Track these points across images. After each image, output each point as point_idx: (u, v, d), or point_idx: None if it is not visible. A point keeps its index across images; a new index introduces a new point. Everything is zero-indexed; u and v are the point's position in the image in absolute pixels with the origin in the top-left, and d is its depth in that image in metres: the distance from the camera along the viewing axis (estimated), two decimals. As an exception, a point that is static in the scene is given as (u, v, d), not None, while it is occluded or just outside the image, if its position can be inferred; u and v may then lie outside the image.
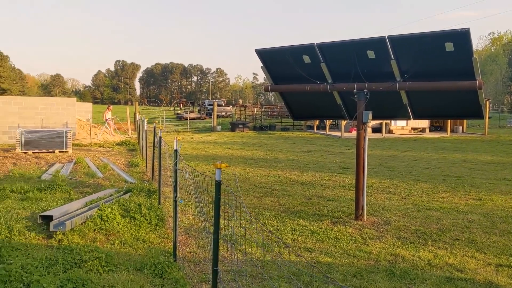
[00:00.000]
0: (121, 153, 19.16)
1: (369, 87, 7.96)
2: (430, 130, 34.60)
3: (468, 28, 6.72)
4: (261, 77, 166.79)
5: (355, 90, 8.09)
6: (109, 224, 7.35)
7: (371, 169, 14.39)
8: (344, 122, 30.36)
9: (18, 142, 17.40)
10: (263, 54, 8.95)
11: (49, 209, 8.16)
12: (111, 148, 20.83)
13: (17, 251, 6.23)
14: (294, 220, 8.30)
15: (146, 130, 14.95)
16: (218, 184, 4.01)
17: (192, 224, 8.00)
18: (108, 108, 29.03)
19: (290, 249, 6.56)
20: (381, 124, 31.57)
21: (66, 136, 18.01)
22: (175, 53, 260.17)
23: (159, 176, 9.22)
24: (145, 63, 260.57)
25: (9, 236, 6.72)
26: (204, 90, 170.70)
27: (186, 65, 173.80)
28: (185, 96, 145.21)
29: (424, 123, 33.61)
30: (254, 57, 9.17)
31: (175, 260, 6.07)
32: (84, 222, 7.43)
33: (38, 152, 17.40)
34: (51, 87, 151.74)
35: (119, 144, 22.73)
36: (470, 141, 27.10)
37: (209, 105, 53.94)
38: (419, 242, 7.07)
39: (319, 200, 10.03)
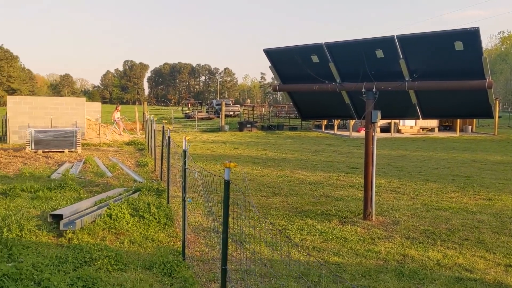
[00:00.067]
0: (130, 152, 19.26)
1: (378, 86, 7.94)
2: (439, 130, 34.40)
3: (478, 27, 6.68)
4: (269, 76, 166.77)
5: (363, 90, 8.07)
6: (119, 223, 7.40)
7: (380, 168, 14.35)
8: (352, 122, 30.26)
9: (28, 142, 17.55)
10: (271, 53, 8.96)
11: (59, 208, 8.23)
12: (120, 148, 20.94)
13: (28, 249, 6.29)
14: (303, 219, 8.30)
15: (154, 130, 15.02)
16: (227, 183, 4.03)
17: (201, 223, 8.03)
18: (116, 108, 29.18)
19: (299, 248, 6.56)
20: (389, 123, 31.45)
21: (76, 136, 18.13)
22: (183, 53, 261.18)
23: (168, 175, 9.26)
24: (154, 63, 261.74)
25: (20, 234, 6.79)
26: (212, 89, 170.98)
27: (194, 65, 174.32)
28: (193, 96, 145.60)
29: (433, 123, 33.43)
30: (262, 56, 9.19)
31: (184, 259, 6.10)
32: (94, 221, 7.48)
33: (48, 152, 17.53)
34: (60, 87, 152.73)
35: (128, 143, 22.85)
36: (479, 141, 26.91)
37: (217, 104, 54.05)
38: (428, 242, 7.05)
39: (328, 199, 10.02)
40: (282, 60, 8.99)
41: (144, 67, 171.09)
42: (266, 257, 6.35)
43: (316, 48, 8.28)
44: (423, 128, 33.51)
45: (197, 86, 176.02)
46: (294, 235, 7.37)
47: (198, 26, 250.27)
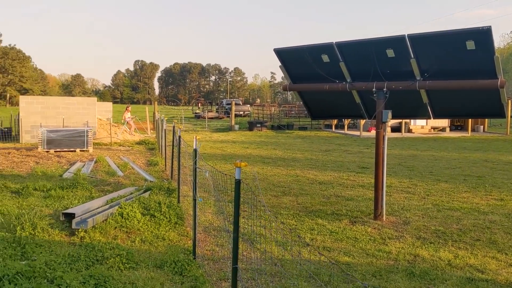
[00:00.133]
0: (141, 152, 19.37)
1: (389, 86, 7.91)
2: (451, 130, 34.14)
3: (490, 26, 6.64)
4: (279, 76, 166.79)
5: (374, 89, 8.05)
6: (130, 222, 7.46)
7: (390, 168, 14.28)
8: (362, 121, 30.15)
9: (41, 141, 17.72)
10: (281, 53, 8.96)
11: (71, 207, 8.32)
12: (130, 147, 21.06)
13: (40, 247, 6.36)
14: (313, 219, 8.30)
15: (165, 130, 15.09)
16: (237, 183, 4.05)
17: (211, 223, 8.06)
18: (127, 109, 29.37)
19: (309, 248, 6.57)
20: (400, 123, 31.27)
21: (87, 135, 18.27)
22: (193, 53, 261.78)
23: (178, 174, 9.30)
24: (164, 63, 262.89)
25: (33, 233, 6.87)
26: (222, 89, 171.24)
27: (204, 64, 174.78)
28: (203, 96, 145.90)
29: (444, 122, 33.18)
30: (272, 56, 9.20)
31: (194, 258, 6.13)
32: (106, 220, 7.54)
33: (59, 151, 17.69)
34: (72, 87, 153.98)
35: (139, 143, 22.98)
36: (491, 141, 26.67)
37: (227, 104, 54.11)
38: (439, 242, 7.01)
39: (338, 199, 10.01)
40: (293, 59, 8.99)
41: (154, 67, 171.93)
42: (277, 256, 6.36)
43: (326, 48, 8.28)
44: (434, 128, 33.29)
45: (207, 86, 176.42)
46: (304, 234, 7.38)
47: (209, 26, 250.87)
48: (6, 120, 29.47)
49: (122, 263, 5.78)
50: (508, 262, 6.17)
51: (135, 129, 28.60)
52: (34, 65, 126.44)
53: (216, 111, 55.00)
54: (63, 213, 7.65)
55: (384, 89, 7.94)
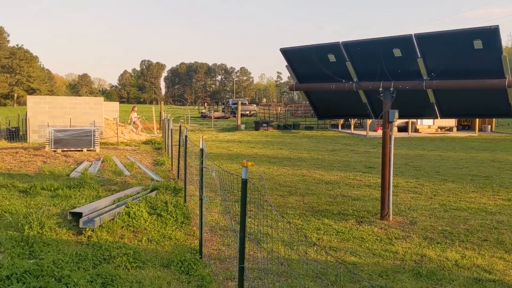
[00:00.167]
0: (147, 151, 19.43)
1: (395, 85, 7.89)
2: (458, 129, 33.98)
3: (497, 26, 6.60)
4: (285, 75, 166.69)
5: (381, 89, 8.03)
6: (137, 221, 7.49)
7: (397, 168, 14.24)
8: (369, 121, 30.08)
9: (48, 141, 17.82)
10: (288, 53, 8.96)
11: (79, 206, 8.36)
12: (137, 147, 21.14)
13: (48, 246, 6.40)
14: (319, 219, 8.29)
15: (171, 129, 15.13)
16: (244, 182, 4.06)
17: (217, 222, 8.07)
18: (133, 109, 29.49)
19: (316, 248, 6.56)
20: (407, 123, 31.16)
21: (94, 135, 18.36)
22: (199, 53, 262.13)
23: (185, 174, 9.33)
24: (170, 63, 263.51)
25: (41, 232, 6.91)
26: (228, 89, 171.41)
27: (210, 64, 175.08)
28: (209, 95, 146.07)
29: (451, 122, 33.03)
30: (279, 56, 9.20)
31: (201, 257, 6.15)
32: (112, 219, 7.58)
33: (66, 151, 17.79)
34: (79, 86, 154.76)
35: (145, 142, 23.05)
36: (499, 141, 26.51)
37: (233, 104, 54.15)
38: (446, 242, 6.99)
39: (344, 199, 9.99)
40: (299, 59, 8.98)
41: (161, 66, 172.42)
42: (283, 256, 6.36)
43: (333, 47, 8.27)
44: (441, 128, 33.14)
45: (213, 86, 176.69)
46: (311, 234, 7.38)
47: (215, 25, 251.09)
48: (14, 119, 29.66)
49: (129, 262, 5.80)
50: (516, 263, 6.13)
51: (141, 128, 28.70)
52: (41, 65, 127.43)
53: (222, 111, 55.08)
54: (70, 212, 7.70)
55: (391, 89, 7.92)
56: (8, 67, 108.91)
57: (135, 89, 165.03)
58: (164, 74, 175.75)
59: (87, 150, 18.12)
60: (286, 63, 9.12)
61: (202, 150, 6.28)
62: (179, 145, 11.62)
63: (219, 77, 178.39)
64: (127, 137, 24.46)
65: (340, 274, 5.66)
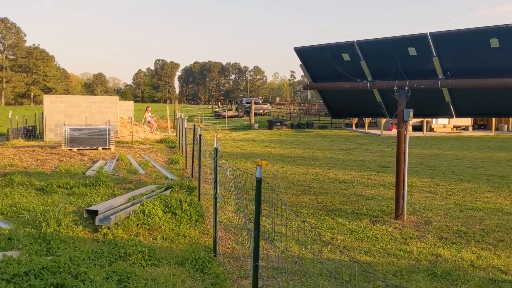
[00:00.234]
0: (162, 150, 19.56)
1: (410, 84, 7.84)
2: (474, 129, 33.61)
3: (515, 24, 6.53)
4: (299, 75, 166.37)
5: (395, 88, 7.98)
6: (152, 219, 7.56)
7: (412, 168, 14.14)
8: (383, 120, 29.89)
9: (64, 139, 18.03)
10: (302, 52, 8.96)
11: (94, 204, 8.47)
12: (151, 146, 21.28)
13: (65, 243, 6.50)
14: (333, 218, 8.28)
15: (185, 128, 15.22)
16: (258, 181, 4.08)
17: (231, 221, 8.11)
18: (147, 109, 29.69)
19: (330, 247, 6.56)
20: (422, 122, 30.91)
21: (109, 134, 18.53)
22: (213, 52, 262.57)
23: (199, 173, 9.38)
24: (184, 62, 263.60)
25: (58, 229, 7.02)
26: (241, 88, 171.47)
27: (224, 63, 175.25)
28: (223, 94, 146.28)
29: (467, 121, 32.68)
30: (292, 55, 9.20)
31: (215, 256, 6.18)
32: (128, 217, 7.66)
33: (82, 149, 17.97)
34: (94, 86, 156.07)
35: (159, 141, 23.20)
36: (516, 140, 26.16)
37: (247, 103, 54.16)
38: (462, 242, 6.93)
39: (358, 198, 9.96)
40: (313, 58, 8.98)
41: (175, 66, 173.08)
42: (297, 255, 6.38)
43: (347, 46, 8.25)
44: (456, 127, 32.80)
45: (226, 85, 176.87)
46: (325, 233, 7.37)
47: (229, 25, 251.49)
48: (31, 118, 30.05)
49: (144, 259, 5.87)
50: (533, 264, 6.06)
51: (156, 127, 28.90)
52: (57, 65, 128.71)
53: (236, 110, 55.15)
54: (86, 210, 7.80)
55: (406, 88, 7.87)
56: (25, 67, 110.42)
57: (149, 88, 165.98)
58: (178, 73, 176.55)
59: (102, 149, 18.30)
60: (300, 62, 9.12)
61: (216, 149, 6.32)
62: (193, 144, 11.68)
63: (232, 76, 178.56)
64: (141, 136, 24.65)
65: (354, 273, 5.66)
